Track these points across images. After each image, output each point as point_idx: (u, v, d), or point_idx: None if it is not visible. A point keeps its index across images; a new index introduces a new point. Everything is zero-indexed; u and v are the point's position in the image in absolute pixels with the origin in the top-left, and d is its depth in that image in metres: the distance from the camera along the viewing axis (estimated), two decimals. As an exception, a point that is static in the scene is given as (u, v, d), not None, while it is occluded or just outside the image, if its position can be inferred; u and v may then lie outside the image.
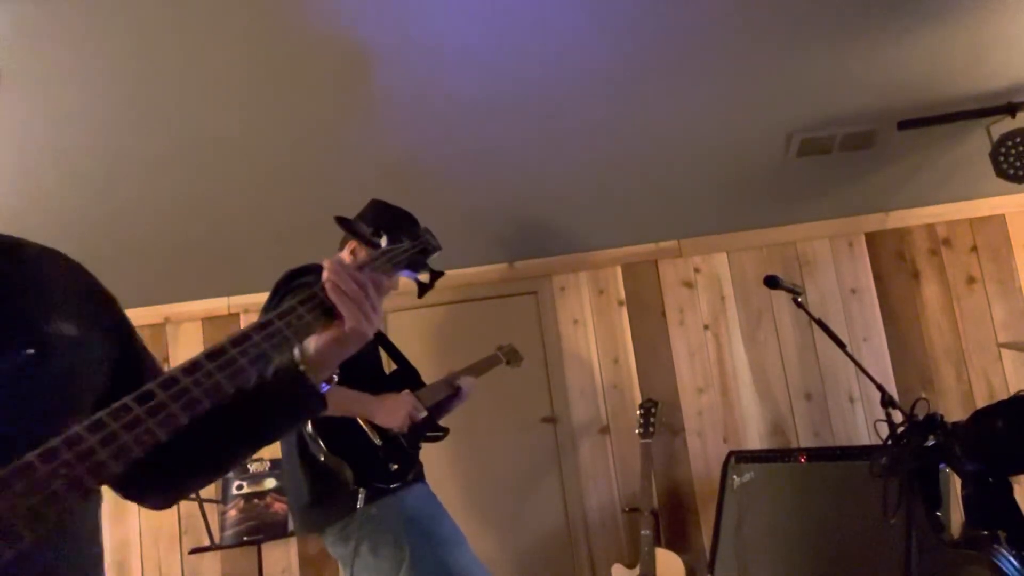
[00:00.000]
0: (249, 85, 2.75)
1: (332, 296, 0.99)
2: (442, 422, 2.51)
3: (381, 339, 2.52)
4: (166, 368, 0.94)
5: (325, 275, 1.00)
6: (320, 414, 1.07)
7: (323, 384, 1.06)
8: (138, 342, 1.08)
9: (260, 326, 0.91)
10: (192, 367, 0.83)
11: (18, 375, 0.84)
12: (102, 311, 1.03)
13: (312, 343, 1.02)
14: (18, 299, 0.92)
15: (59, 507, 0.70)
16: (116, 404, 0.76)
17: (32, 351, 0.86)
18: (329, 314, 1.00)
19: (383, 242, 1.22)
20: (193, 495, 3.59)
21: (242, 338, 0.88)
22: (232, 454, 1.07)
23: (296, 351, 1.02)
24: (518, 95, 2.97)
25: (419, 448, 2.34)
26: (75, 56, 2.51)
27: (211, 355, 0.85)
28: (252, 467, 3.73)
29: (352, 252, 2.39)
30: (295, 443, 2.20)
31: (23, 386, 0.84)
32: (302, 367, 1.02)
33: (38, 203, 3.16)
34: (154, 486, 1.06)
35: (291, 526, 3.54)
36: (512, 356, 2.90)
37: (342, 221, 2.39)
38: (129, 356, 1.03)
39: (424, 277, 1.29)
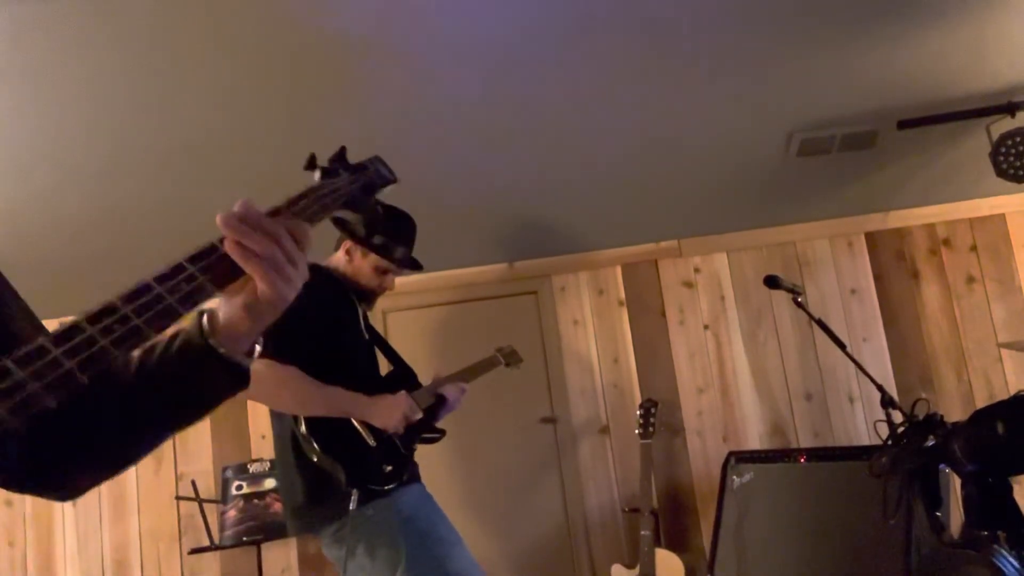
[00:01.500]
0: (246, 83, 2.74)
1: (235, 255, 0.77)
2: (441, 423, 2.50)
3: (377, 339, 2.50)
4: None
5: (225, 227, 0.78)
6: (241, 391, 0.88)
7: (244, 356, 0.86)
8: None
9: (131, 295, 0.72)
10: (35, 353, 0.66)
11: None
12: None
13: (222, 310, 0.83)
14: None
15: None
16: None
17: None
18: (233, 272, 0.79)
19: (315, 177, 0.98)
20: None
21: (105, 311, 0.70)
22: (145, 440, 0.91)
23: (204, 320, 0.83)
24: (517, 95, 2.97)
25: (414, 449, 2.33)
26: (73, 55, 2.51)
27: (59, 338, 0.67)
28: (252, 467, 3.73)
29: (347, 252, 2.38)
30: (289, 443, 2.18)
31: None
32: (211, 340, 0.82)
33: (35, 202, 3.16)
34: (53, 478, 0.90)
35: (291, 526, 3.54)
36: (511, 358, 2.87)
37: (337, 221, 2.39)
38: None
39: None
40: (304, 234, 0.83)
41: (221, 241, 0.78)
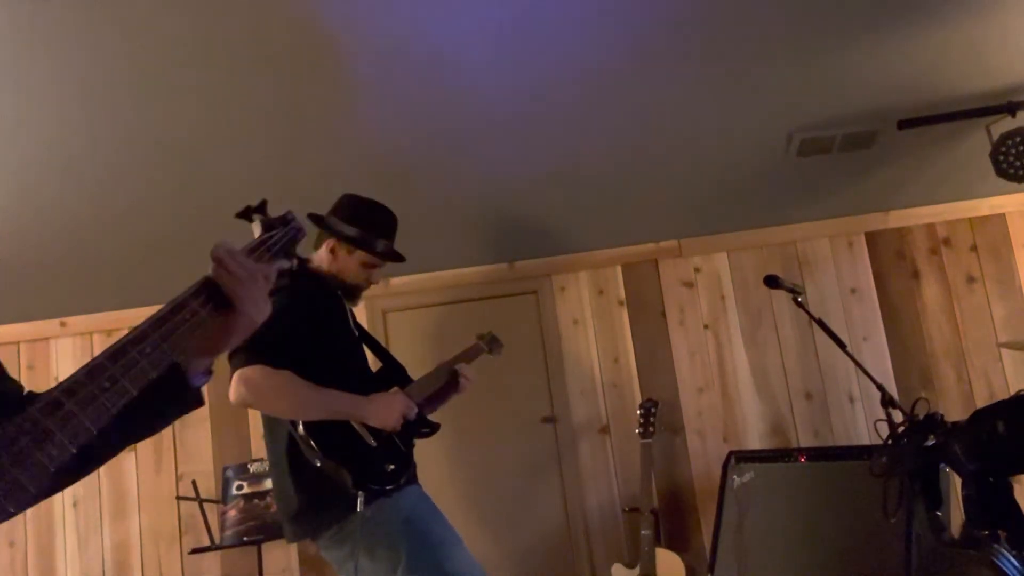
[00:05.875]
0: (242, 84, 2.74)
1: (230, 285, 0.96)
2: (438, 418, 2.48)
3: (365, 336, 2.49)
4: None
5: (221, 263, 0.96)
6: (195, 409, 1.02)
7: (199, 376, 1.00)
8: None
9: (156, 323, 0.87)
10: (94, 372, 0.79)
11: None
12: None
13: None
14: None
15: None
16: (18, 418, 0.71)
17: None
18: (223, 305, 0.96)
19: (255, 229, 1.15)
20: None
21: (140, 337, 0.84)
22: (96, 455, 0.96)
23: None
24: (518, 96, 2.97)
25: (413, 446, 2.32)
26: (74, 57, 2.51)
27: (113, 357, 0.81)
28: (252, 467, 3.73)
29: (331, 251, 2.37)
30: (285, 449, 2.16)
31: None
32: (179, 359, 0.94)
33: (37, 205, 3.16)
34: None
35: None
36: (493, 344, 2.85)
37: (317, 219, 2.39)
38: None
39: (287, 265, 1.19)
40: (271, 276, 1.03)
41: (212, 282, 0.95)
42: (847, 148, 3.45)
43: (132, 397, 0.80)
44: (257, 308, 0.99)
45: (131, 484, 3.94)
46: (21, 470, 0.69)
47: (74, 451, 0.74)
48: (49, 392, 0.76)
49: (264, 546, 3.66)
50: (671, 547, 3.57)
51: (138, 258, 3.60)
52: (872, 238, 4.10)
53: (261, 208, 1.18)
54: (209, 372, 1.02)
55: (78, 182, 3.10)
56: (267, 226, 1.14)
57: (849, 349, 2.85)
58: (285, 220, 1.18)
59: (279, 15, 2.46)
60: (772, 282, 2.91)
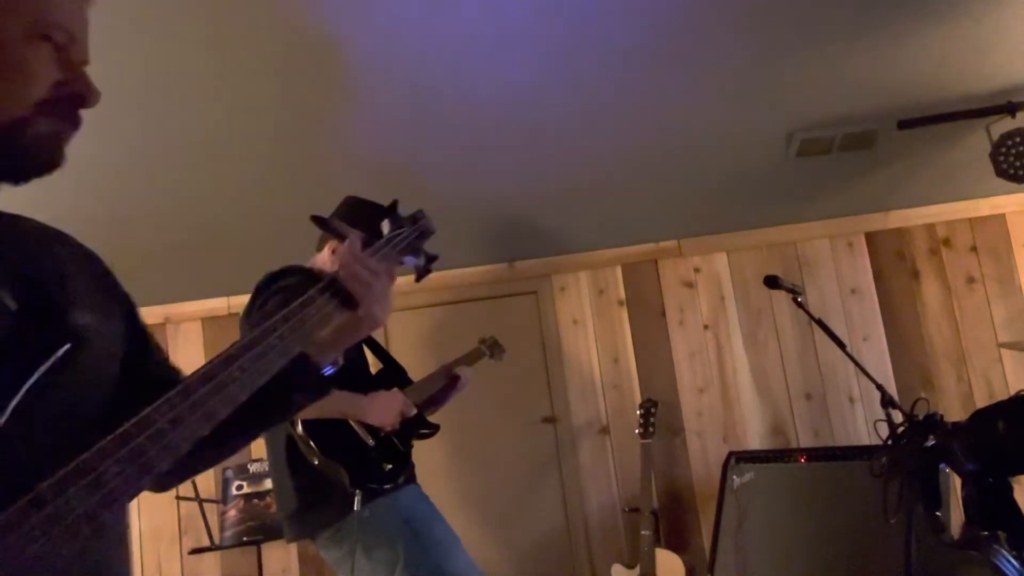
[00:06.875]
0: (243, 85, 2.74)
1: (351, 283, 1.00)
2: (438, 419, 2.49)
3: (365, 337, 2.48)
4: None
5: (343, 262, 1.02)
6: (323, 397, 1.06)
7: (328, 367, 1.05)
8: (142, 322, 1.04)
9: (285, 317, 0.91)
10: (229, 360, 0.84)
11: (56, 373, 0.80)
12: (113, 296, 1.01)
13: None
14: (48, 288, 0.87)
15: (115, 505, 0.71)
16: (159, 401, 0.77)
17: (68, 346, 0.81)
18: (346, 302, 1.01)
19: (385, 228, 1.19)
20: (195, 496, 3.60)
21: (270, 329, 0.89)
22: (232, 442, 1.03)
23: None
24: (517, 95, 2.97)
25: (411, 447, 2.32)
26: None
27: (247, 347, 0.86)
28: (252, 467, 3.73)
29: (333, 252, 2.37)
30: (283, 449, 2.17)
31: (62, 383, 0.81)
32: (308, 350, 1.00)
33: (37, 204, 3.15)
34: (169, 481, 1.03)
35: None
36: (495, 349, 2.85)
37: (319, 220, 2.38)
38: (136, 339, 1.01)
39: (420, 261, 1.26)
40: (393, 273, 1.08)
41: (339, 278, 1.00)
42: (847, 148, 3.45)
43: (261, 385, 0.85)
44: (380, 306, 1.04)
45: (131, 484, 3.94)
46: (158, 450, 0.74)
47: (206, 434, 0.79)
48: (188, 377, 0.82)
49: (264, 546, 3.66)
50: (671, 547, 3.57)
51: (140, 259, 3.60)
52: (872, 238, 4.10)
53: (392, 208, 1.23)
54: (336, 364, 1.06)
55: (88, 185, 3.09)
56: (396, 225, 1.19)
57: (849, 349, 2.85)
58: (415, 219, 1.23)
59: (287, 19, 2.46)
60: (772, 282, 2.91)
